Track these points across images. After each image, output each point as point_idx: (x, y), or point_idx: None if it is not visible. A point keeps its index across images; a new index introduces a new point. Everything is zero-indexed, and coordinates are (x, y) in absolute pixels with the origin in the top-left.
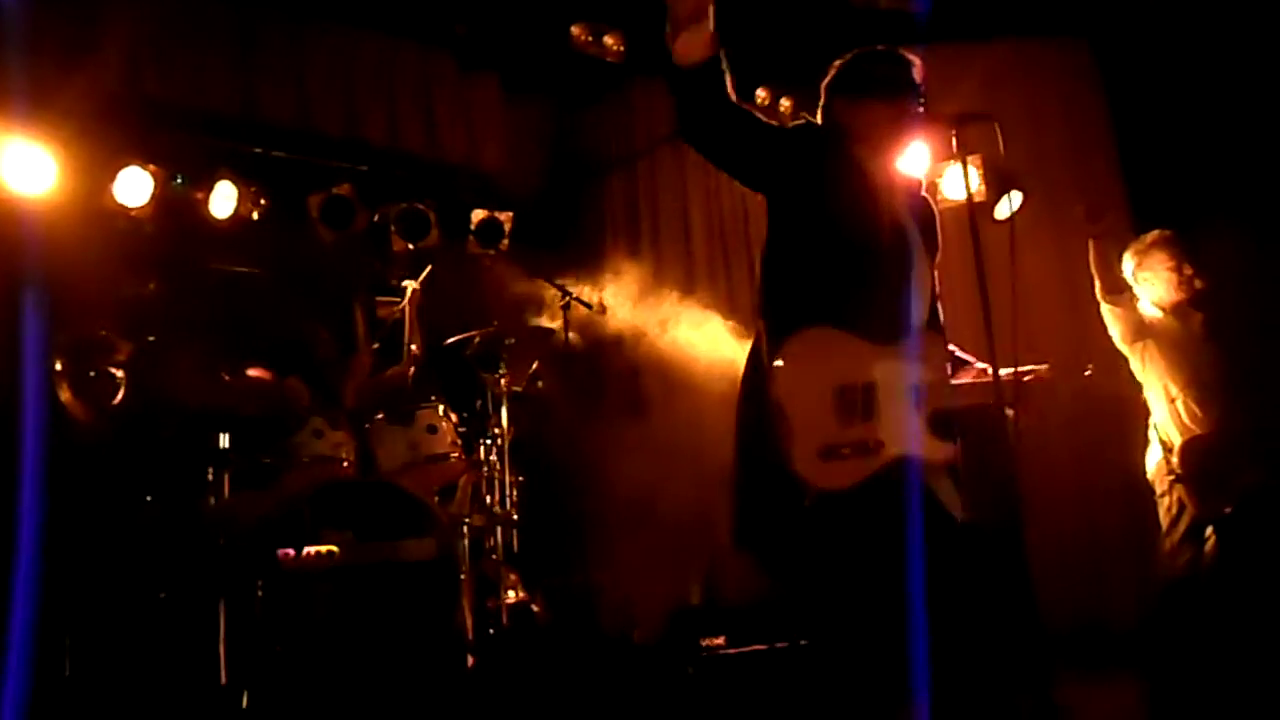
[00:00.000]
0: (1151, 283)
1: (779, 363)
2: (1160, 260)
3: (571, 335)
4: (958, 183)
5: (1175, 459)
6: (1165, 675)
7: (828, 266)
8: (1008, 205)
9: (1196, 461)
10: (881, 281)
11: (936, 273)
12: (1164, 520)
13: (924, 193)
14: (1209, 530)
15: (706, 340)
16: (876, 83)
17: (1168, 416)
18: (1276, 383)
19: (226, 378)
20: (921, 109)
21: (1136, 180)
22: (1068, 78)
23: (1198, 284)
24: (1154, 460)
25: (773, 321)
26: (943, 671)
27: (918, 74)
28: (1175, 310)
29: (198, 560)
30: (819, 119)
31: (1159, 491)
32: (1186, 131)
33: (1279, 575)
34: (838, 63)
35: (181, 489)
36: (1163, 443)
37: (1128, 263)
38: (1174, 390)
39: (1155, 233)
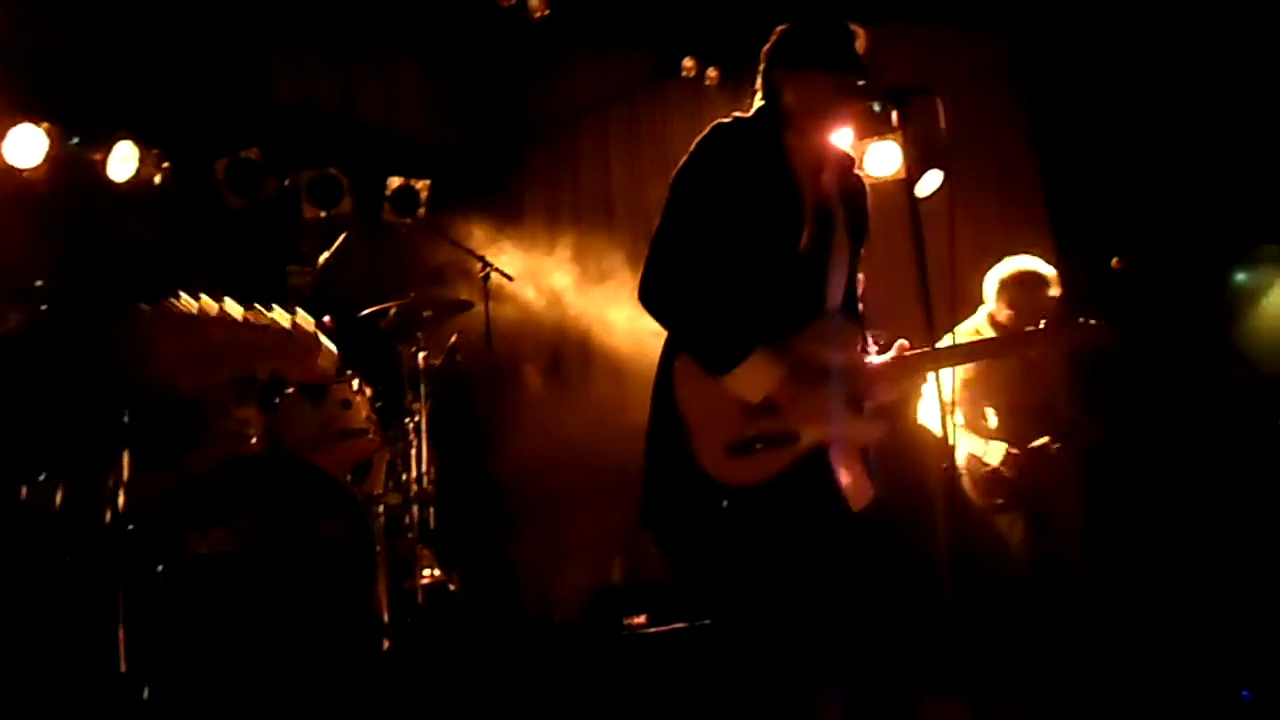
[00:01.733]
0: (1007, 310)
1: (678, 361)
2: (1024, 296)
3: (491, 306)
4: (883, 159)
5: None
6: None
7: (733, 260)
8: (929, 183)
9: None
10: (793, 270)
11: (862, 251)
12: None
13: (856, 169)
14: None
15: (626, 313)
16: (817, 52)
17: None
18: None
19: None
20: (862, 82)
21: (1052, 174)
22: (987, 67)
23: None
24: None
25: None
26: (855, 654)
27: (860, 45)
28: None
29: (95, 543)
30: (758, 86)
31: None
32: (1100, 129)
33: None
34: (779, 30)
35: (79, 467)
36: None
37: (993, 282)
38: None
39: (1022, 268)
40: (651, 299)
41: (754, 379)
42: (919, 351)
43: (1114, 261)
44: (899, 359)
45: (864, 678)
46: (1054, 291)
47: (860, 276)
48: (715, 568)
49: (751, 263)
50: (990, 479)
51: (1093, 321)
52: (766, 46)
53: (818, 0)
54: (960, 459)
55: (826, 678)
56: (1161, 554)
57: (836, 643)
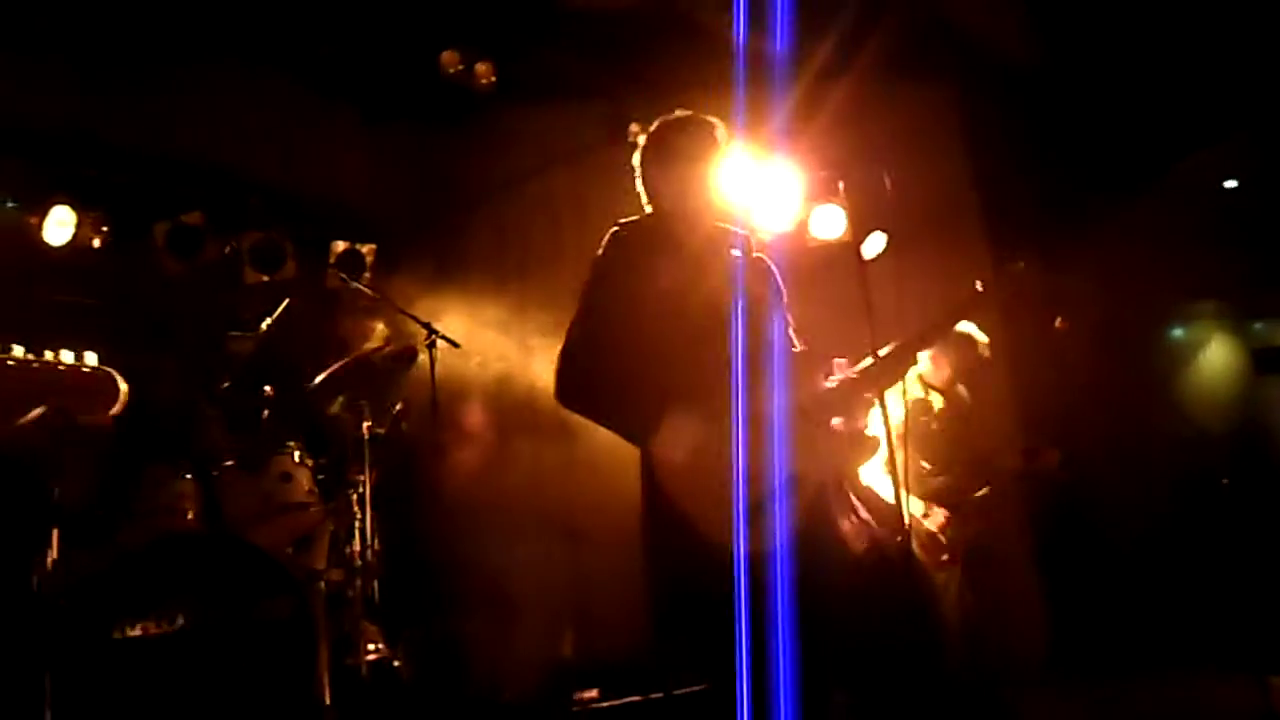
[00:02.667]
0: (940, 363)
1: (653, 460)
2: (956, 355)
3: (437, 373)
4: (828, 223)
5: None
6: None
7: (643, 344)
8: (873, 246)
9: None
10: (709, 339)
11: (785, 312)
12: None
13: (746, 237)
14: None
15: None
16: (680, 151)
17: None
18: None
19: (59, 422)
20: (721, 166)
21: (996, 230)
22: (935, 124)
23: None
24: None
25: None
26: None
27: (721, 135)
28: (946, 387)
29: (19, 627)
30: (640, 189)
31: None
32: (1044, 184)
33: None
34: (644, 138)
35: (4, 545)
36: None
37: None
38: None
39: (965, 332)
40: (565, 395)
41: (676, 436)
42: (862, 366)
43: (1057, 321)
44: (848, 379)
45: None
46: (984, 353)
47: (789, 321)
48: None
49: (666, 339)
50: (933, 540)
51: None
52: (636, 156)
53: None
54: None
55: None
56: (1108, 605)
57: (855, 673)
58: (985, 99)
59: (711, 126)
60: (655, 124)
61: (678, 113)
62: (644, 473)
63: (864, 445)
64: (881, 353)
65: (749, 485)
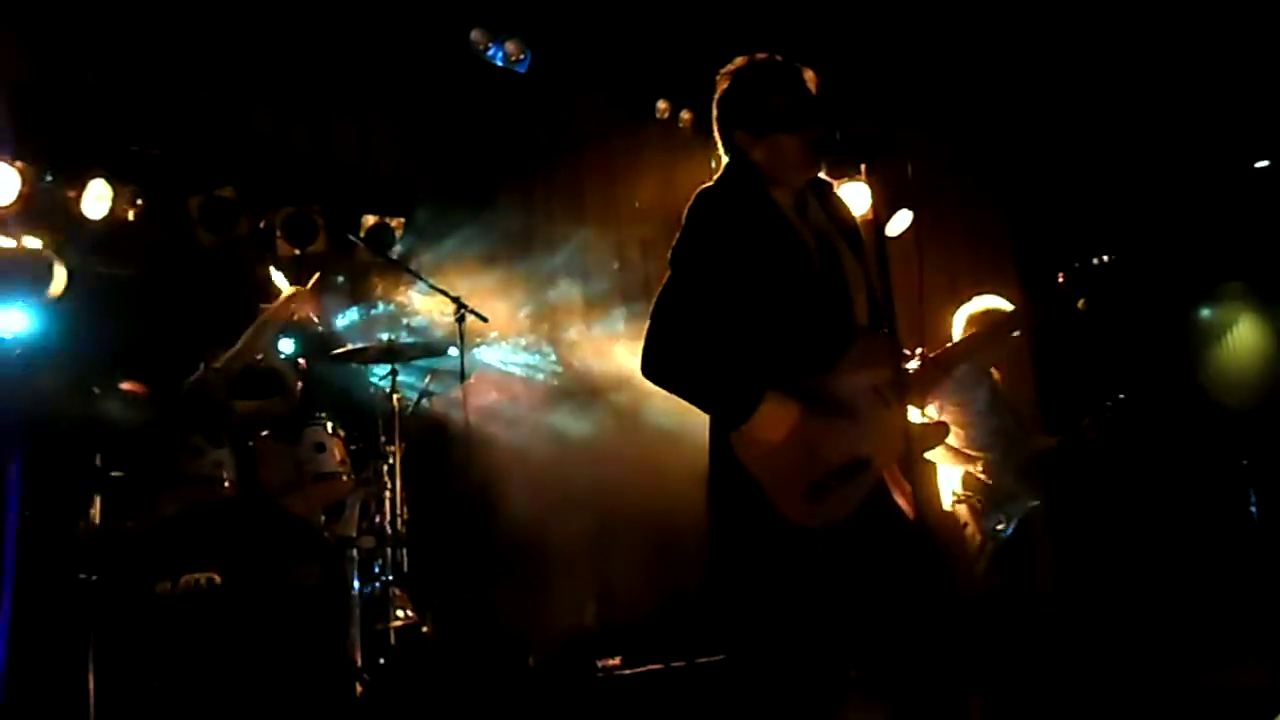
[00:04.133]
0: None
1: (732, 430)
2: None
3: (465, 347)
4: (853, 200)
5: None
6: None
7: (746, 313)
8: (899, 223)
9: (976, 484)
10: (814, 305)
11: (869, 265)
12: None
13: (834, 189)
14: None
15: (603, 356)
16: (781, 114)
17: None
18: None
19: (97, 390)
20: (827, 130)
21: (1018, 214)
22: (956, 111)
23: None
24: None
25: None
26: (920, 667)
27: (813, 87)
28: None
29: (65, 588)
30: (717, 139)
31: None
32: (1065, 168)
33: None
34: (726, 81)
35: (49, 510)
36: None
37: (962, 319)
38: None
39: (990, 306)
40: (654, 369)
41: (771, 421)
42: (939, 352)
43: (1080, 303)
44: (928, 362)
45: (923, 691)
46: (1016, 331)
47: (874, 281)
48: (795, 604)
49: (768, 311)
50: (995, 497)
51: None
52: (718, 95)
53: (784, 47)
54: (956, 483)
55: (883, 693)
56: (1127, 589)
57: (903, 657)
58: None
59: (804, 80)
60: (741, 66)
61: (764, 56)
62: (717, 448)
63: (934, 431)
64: (953, 342)
65: (821, 464)
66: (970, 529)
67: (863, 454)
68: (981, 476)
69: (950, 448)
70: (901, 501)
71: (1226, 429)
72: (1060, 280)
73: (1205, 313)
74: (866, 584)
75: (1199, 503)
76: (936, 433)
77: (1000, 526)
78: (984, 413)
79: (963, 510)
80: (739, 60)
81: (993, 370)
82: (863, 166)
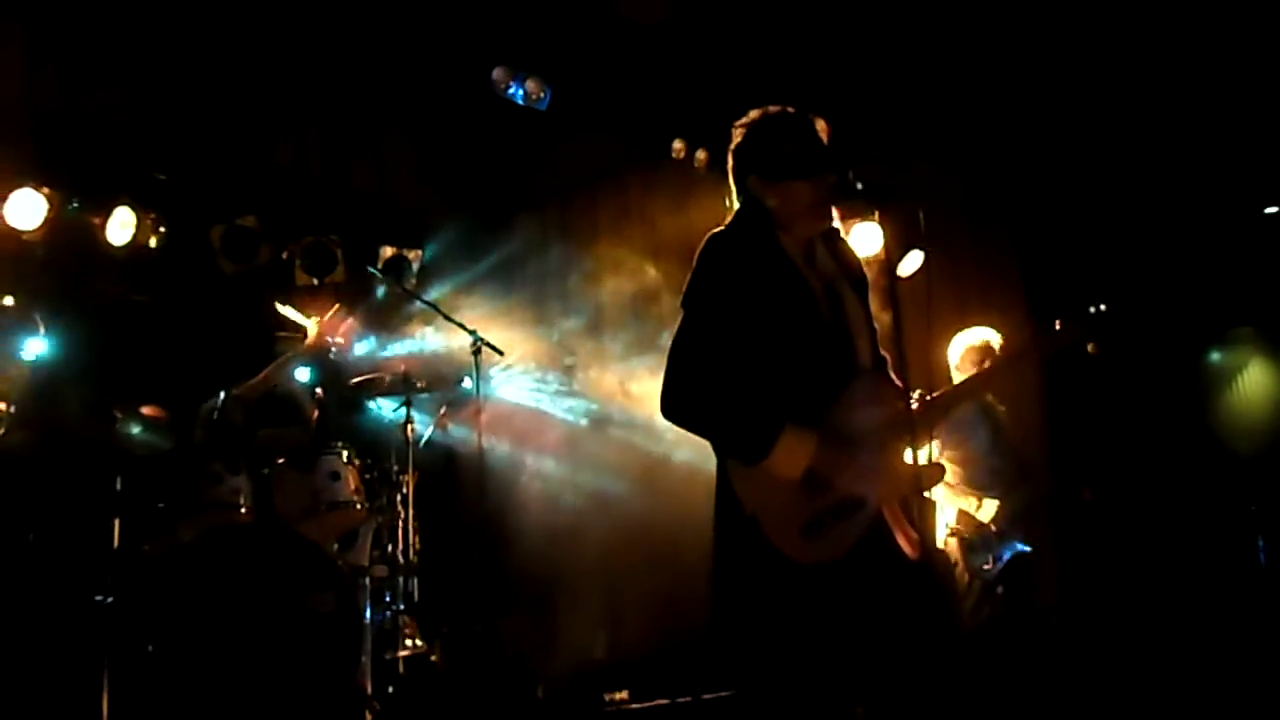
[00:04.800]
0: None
1: (730, 465)
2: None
3: (481, 380)
4: (866, 240)
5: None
6: None
7: (756, 355)
8: (910, 263)
9: (968, 521)
10: (819, 348)
11: (871, 308)
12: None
13: (840, 234)
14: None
15: (616, 391)
16: (793, 161)
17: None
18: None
19: (120, 415)
20: (838, 178)
21: (1029, 254)
22: (966, 151)
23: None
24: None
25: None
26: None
27: (825, 136)
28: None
29: (82, 610)
30: (731, 186)
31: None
32: (1077, 210)
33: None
34: (741, 131)
35: (69, 532)
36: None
37: (958, 349)
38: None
39: (984, 338)
40: (675, 410)
41: (790, 457)
42: (940, 392)
43: (1090, 347)
44: (927, 403)
45: None
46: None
47: (876, 326)
48: (798, 646)
49: (776, 353)
50: (985, 536)
51: (1064, 324)
52: (733, 146)
53: (795, 89)
54: (950, 518)
55: None
56: (1134, 633)
57: (902, 695)
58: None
59: (817, 130)
60: (756, 118)
61: (778, 108)
62: (721, 486)
63: (932, 472)
64: (955, 383)
65: (814, 500)
66: (959, 566)
67: (859, 493)
68: (976, 514)
69: (948, 484)
70: (902, 541)
71: (1235, 474)
72: (1058, 326)
73: (1215, 357)
74: (864, 621)
75: (1207, 547)
76: (934, 474)
77: (986, 566)
78: (984, 453)
79: (953, 544)
80: (754, 112)
81: (996, 405)
82: (877, 211)
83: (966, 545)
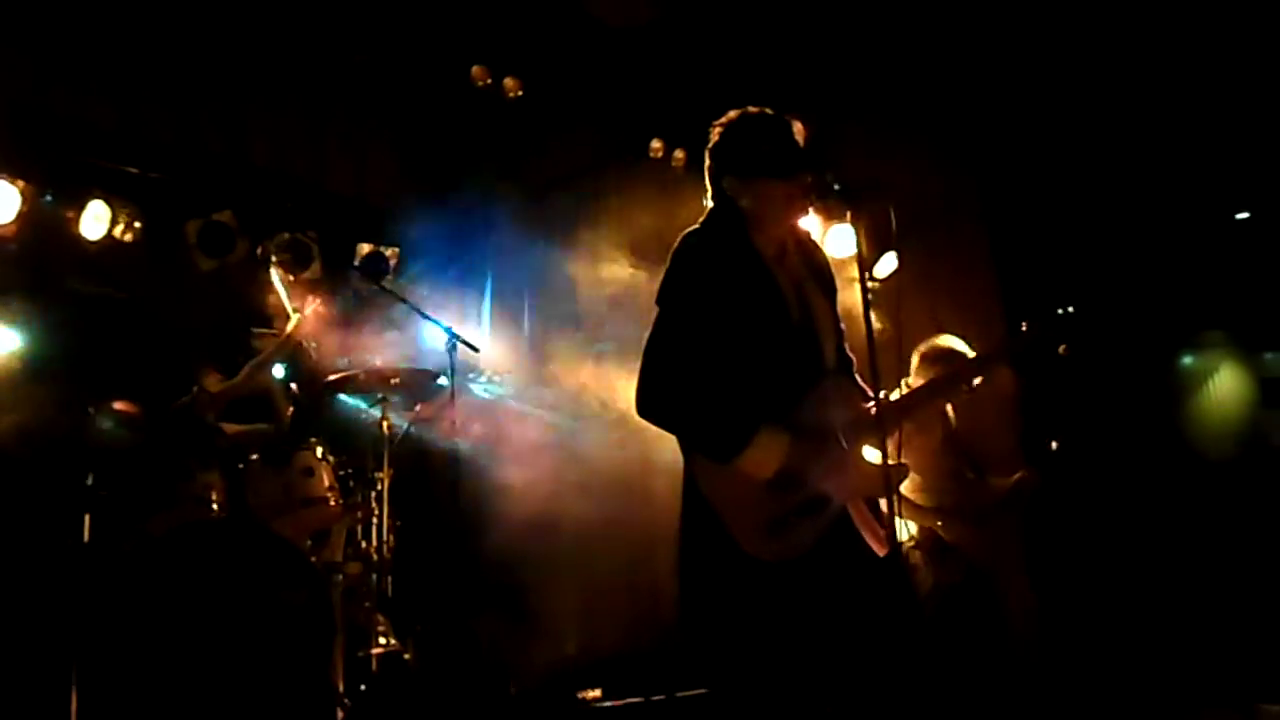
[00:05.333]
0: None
1: (695, 463)
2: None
3: (455, 377)
4: (842, 242)
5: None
6: None
7: (727, 354)
8: (885, 266)
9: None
10: (787, 348)
11: (838, 309)
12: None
13: (808, 237)
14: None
15: (591, 388)
16: (767, 161)
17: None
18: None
19: (92, 409)
20: (813, 178)
21: (1004, 255)
22: (941, 152)
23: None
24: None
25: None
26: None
27: (800, 138)
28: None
29: (52, 606)
30: (707, 185)
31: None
32: (1051, 211)
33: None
34: (718, 131)
35: (39, 527)
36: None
37: (916, 358)
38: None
39: (942, 344)
40: (649, 408)
41: (763, 456)
42: (900, 396)
43: (1061, 348)
44: (884, 404)
45: None
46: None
47: (843, 327)
48: (763, 644)
49: (746, 352)
50: (949, 554)
51: (1031, 325)
52: (710, 145)
53: (776, 90)
54: (912, 531)
55: None
56: (1107, 633)
57: (869, 692)
58: (992, 125)
59: (793, 131)
60: (733, 119)
61: (755, 110)
62: (687, 484)
63: (896, 472)
64: (916, 386)
65: (778, 499)
66: (921, 574)
67: (823, 491)
68: (935, 527)
69: (908, 501)
70: (870, 539)
71: (1205, 478)
72: (1024, 328)
73: (1187, 360)
74: (828, 618)
75: (1176, 550)
76: (898, 473)
77: (948, 580)
78: (939, 454)
79: (916, 555)
80: (732, 113)
81: (947, 410)
82: (850, 210)
83: (929, 556)
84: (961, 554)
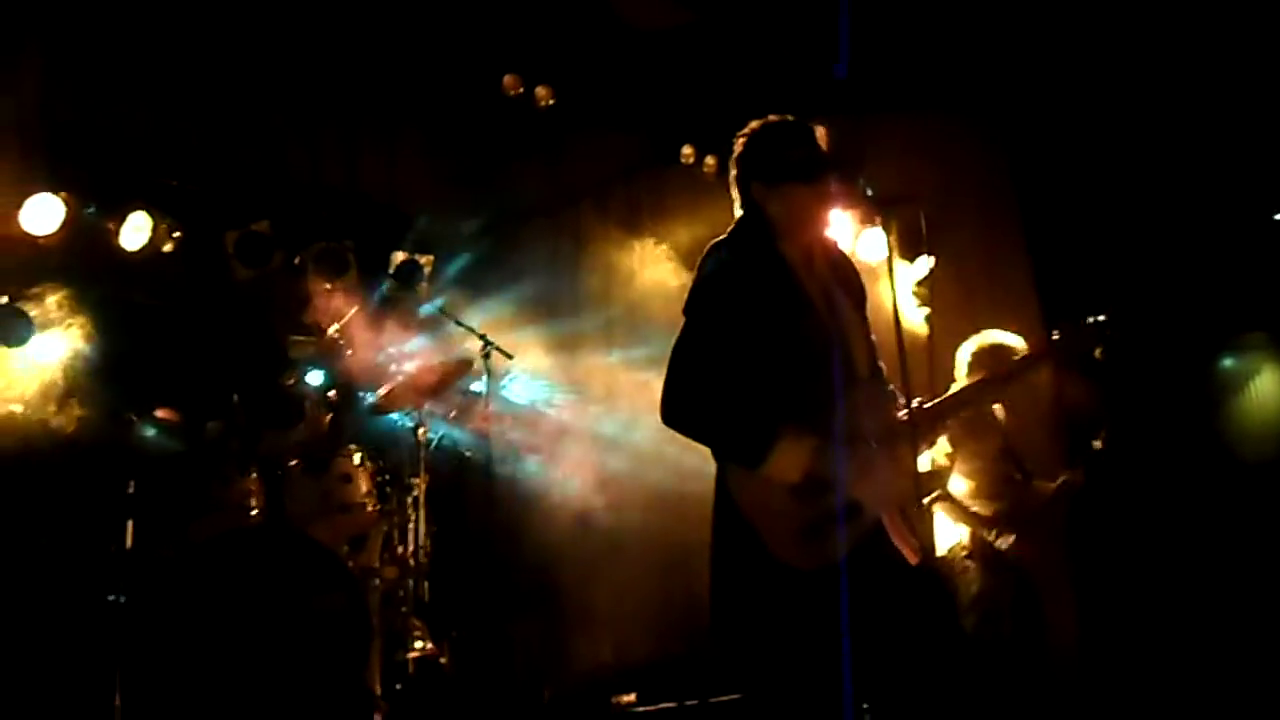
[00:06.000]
0: None
1: (729, 472)
2: (995, 367)
3: (491, 384)
4: (874, 246)
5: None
6: None
7: (756, 363)
8: (919, 270)
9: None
10: (818, 357)
11: (868, 318)
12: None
13: (837, 245)
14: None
15: (625, 395)
16: (794, 167)
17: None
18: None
19: (134, 417)
20: (841, 183)
21: (1041, 255)
22: (979, 151)
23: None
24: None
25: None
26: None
27: (826, 144)
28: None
29: (95, 611)
30: (733, 195)
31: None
32: (1088, 211)
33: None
34: (744, 140)
35: (82, 533)
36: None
37: (965, 355)
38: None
39: (993, 341)
40: (674, 415)
41: (789, 461)
42: (936, 401)
43: (1097, 352)
44: (920, 410)
45: None
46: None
47: (874, 338)
48: (796, 650)
49: (774, 361)
50: (1003, 566)
51: (1063, 332)
52: (736, 153)
53: (807, 93)
54: (964, 540)
55: None
56: (1148, 639)
57: (904, 699)
58: (1028, 123)
59: (818, 138)
60: (758, 127)
61: (778, 117)
62: (719, 492)
63: (932, 479)
64: (953, 391)
65: (811, 505)
66: (969, 582)
67: (856, 499)
68: (988, 536)
69: (959, 507)
70: (903, 547)
71: (1245, 480)
72: (1055, 335)
73: (1227, 363)
74: (863, 625)
75: (1218, 554)
76: (932, 481)
77: (1000, 593)
78: (995, 460)
79: (969, 564)
80: (754, 122)
81: (997, 413)
82: (880, 215)
83: (982, 566)
84: (1015, 565)
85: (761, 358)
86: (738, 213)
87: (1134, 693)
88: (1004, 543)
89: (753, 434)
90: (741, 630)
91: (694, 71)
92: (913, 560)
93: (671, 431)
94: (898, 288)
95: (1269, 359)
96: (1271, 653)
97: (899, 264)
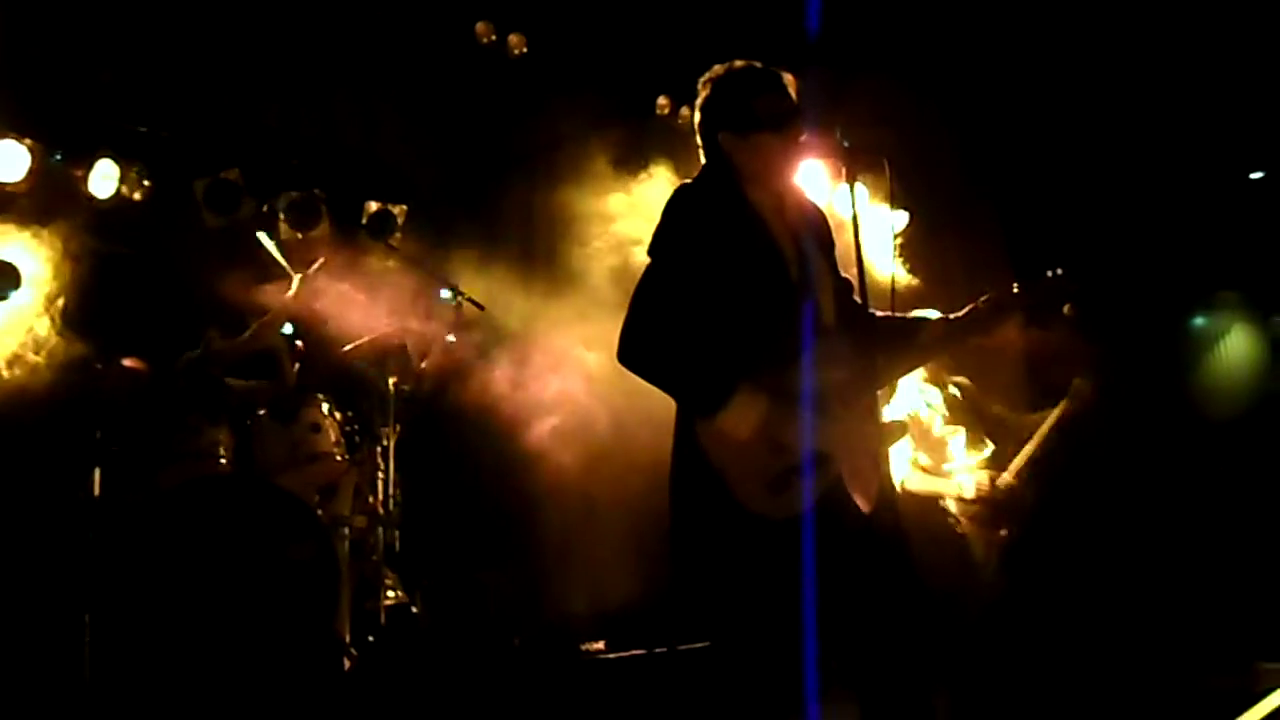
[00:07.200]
0: None
1: (708, 430)
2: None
3: (462, 335)
4: (845, 202)
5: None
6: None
7: (718, 309)
8: (896, 223)
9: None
10: (785, 304)
11: (837, 265)
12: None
13: (804, 192)
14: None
15: (597, 346)
16: (764, 118)
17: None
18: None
19: (99, 366)
20: (808, 132)
21: (1011, 213)
22: (949, 113)
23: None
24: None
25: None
26: (883, 659)
27: (794, 92)
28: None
29: (63, 558)
30: (698, 141)
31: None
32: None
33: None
34: (709, 86)
35: (50, 481)
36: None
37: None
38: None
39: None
40: (630, 355)
41: (742, 415)
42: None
43: (1066, 308)
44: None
45: (889, 682)
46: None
47: (846, 278)
48: (755, 593)
49: (739, 308)
50: (988, 508)
51: (1022, 287)
52: (700, 100)
53: (785, 47)
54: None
55: (851, 684)
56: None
57: (868, 649)
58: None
59: (786, 85)
60: (723, 73)
61: (744, 63)
62: (681, 437)
63: (894, 430)
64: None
65: (783, 457)
66: (974, 536)
67: (823, 449)
68: (985, 484)
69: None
70: (857, 497)
71: (1214, 438)
72: (1015, 289)
73: (1199, 321)
74: (825, 576)
75: (1184, 510)
76: (896, 431)
77: (1004, 532)
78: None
79: (972, 515)
80: (718, 67)
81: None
82: (845, 166)
83: (983, 517)
84: (1018, 506)
85: (725, 303)
86: (703, 159)
87: (1095, 646)
88: (969, 490)
89: (709, 382)
90: (708, 579)
91: (670, 20)
92: (865, 508)
93: (643, 381)
94: (864, 239)
95: (1240, 318)
96: (1238, 606)
97: (874, 215)
